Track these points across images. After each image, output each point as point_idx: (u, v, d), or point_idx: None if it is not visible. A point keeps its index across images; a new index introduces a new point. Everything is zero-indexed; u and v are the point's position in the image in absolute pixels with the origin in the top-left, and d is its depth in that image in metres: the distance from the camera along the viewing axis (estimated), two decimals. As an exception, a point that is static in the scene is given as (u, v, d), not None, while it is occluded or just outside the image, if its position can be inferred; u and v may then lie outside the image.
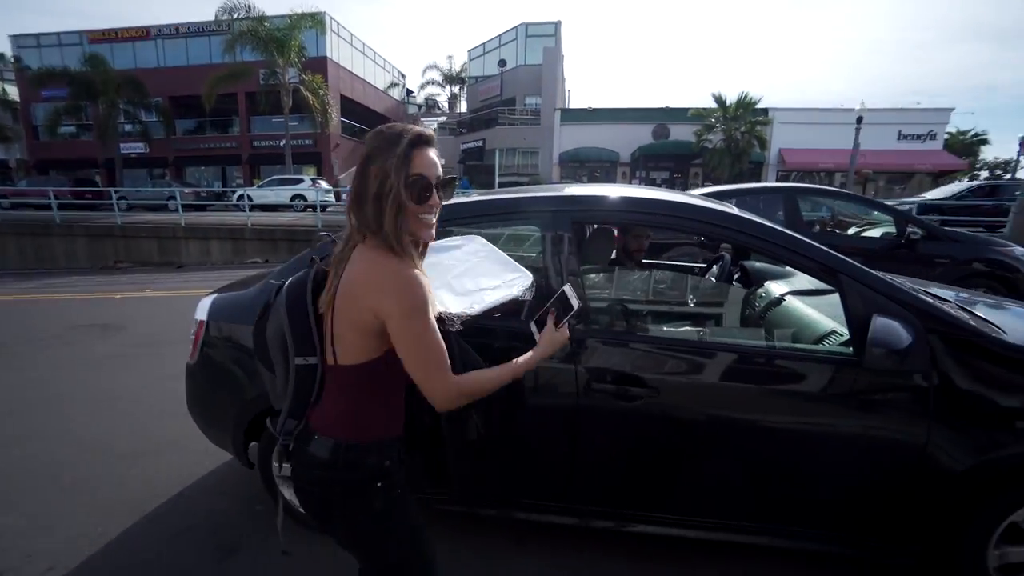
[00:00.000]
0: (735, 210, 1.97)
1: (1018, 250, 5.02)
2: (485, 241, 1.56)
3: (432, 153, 1.01)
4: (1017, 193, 7.26)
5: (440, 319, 1.08)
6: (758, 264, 2.99)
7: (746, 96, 22.82)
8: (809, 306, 2.25)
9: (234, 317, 2.16)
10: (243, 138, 27.01)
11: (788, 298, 2.42)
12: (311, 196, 17.02)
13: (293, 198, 18.32)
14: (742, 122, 22.79)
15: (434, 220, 1.04)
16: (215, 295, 2.31)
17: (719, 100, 23.20)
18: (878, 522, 1.74)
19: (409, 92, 40.83)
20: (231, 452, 2.28)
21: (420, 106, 37.78)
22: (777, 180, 22.47)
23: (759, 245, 1.75)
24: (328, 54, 25.30)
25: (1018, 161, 23.63)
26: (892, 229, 5.13)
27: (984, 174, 50.80)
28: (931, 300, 1.72)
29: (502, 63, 24.24)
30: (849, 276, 1.64)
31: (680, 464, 1.81)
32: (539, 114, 27.93)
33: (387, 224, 0.98)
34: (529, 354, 1.14)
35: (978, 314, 1.83)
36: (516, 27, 29.39)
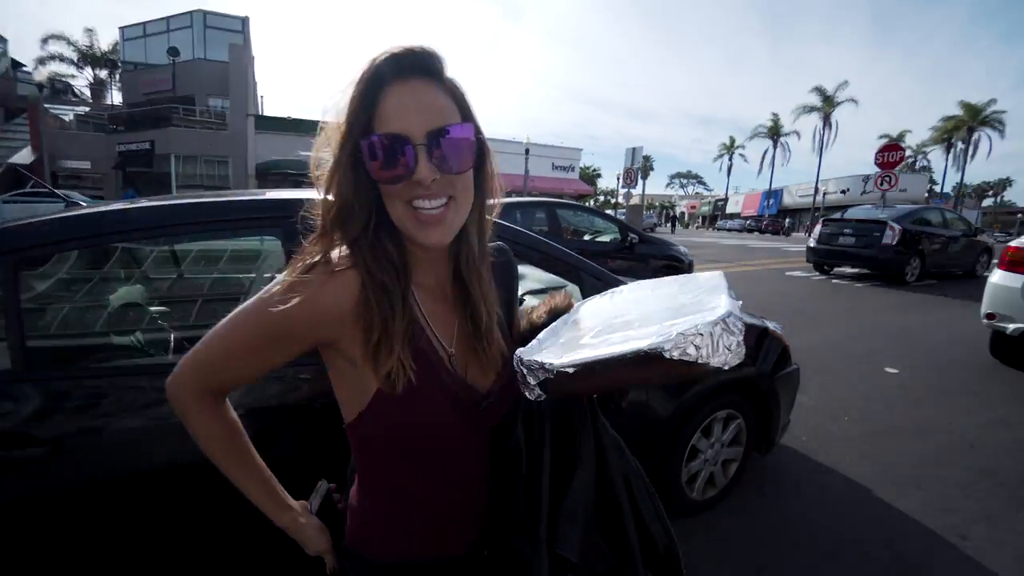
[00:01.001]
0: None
1: (682, 248, 7.07)
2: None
3: (418, 91, 0.60)
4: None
5: (522, 377, 0.66)
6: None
7: (442, 122, 25.38)
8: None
9: None
10: None
11: (527, 298, 2.75)
12: None
13: None
14: (440, 145, 25.26)
15: (436, 208, 0.62)
16: None
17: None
18: None
19: (18, 65, 29.83)
20: None
21: (42, 86, 27.80)
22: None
23: (520, 250, 1.93)
24: None
25: (618, 190, 34.14)
26: (617, 235, 6.77)
27: (602, 198, 70.68)
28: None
29: (174, 52, 20.06)
30: (587, 273, 1.97)
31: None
32: (225, 118, 24.41)
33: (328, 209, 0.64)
34: (288, 509, 0.74)
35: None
36: (191, 13, 24.89)
